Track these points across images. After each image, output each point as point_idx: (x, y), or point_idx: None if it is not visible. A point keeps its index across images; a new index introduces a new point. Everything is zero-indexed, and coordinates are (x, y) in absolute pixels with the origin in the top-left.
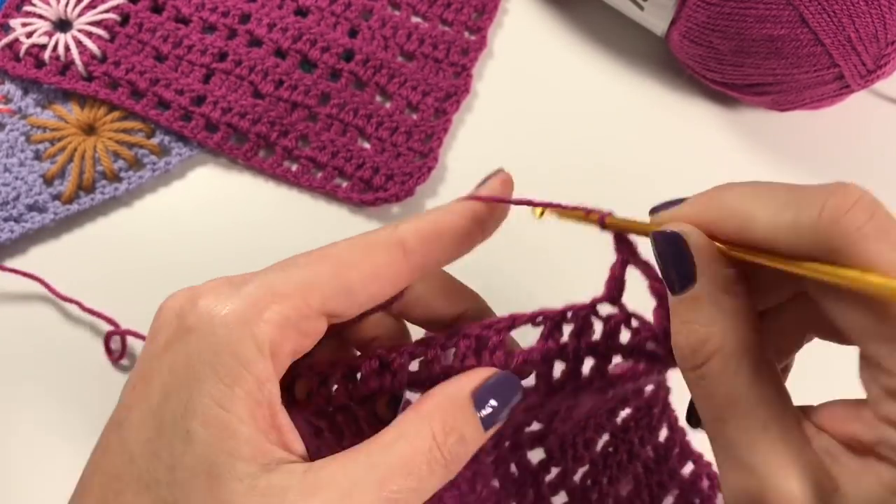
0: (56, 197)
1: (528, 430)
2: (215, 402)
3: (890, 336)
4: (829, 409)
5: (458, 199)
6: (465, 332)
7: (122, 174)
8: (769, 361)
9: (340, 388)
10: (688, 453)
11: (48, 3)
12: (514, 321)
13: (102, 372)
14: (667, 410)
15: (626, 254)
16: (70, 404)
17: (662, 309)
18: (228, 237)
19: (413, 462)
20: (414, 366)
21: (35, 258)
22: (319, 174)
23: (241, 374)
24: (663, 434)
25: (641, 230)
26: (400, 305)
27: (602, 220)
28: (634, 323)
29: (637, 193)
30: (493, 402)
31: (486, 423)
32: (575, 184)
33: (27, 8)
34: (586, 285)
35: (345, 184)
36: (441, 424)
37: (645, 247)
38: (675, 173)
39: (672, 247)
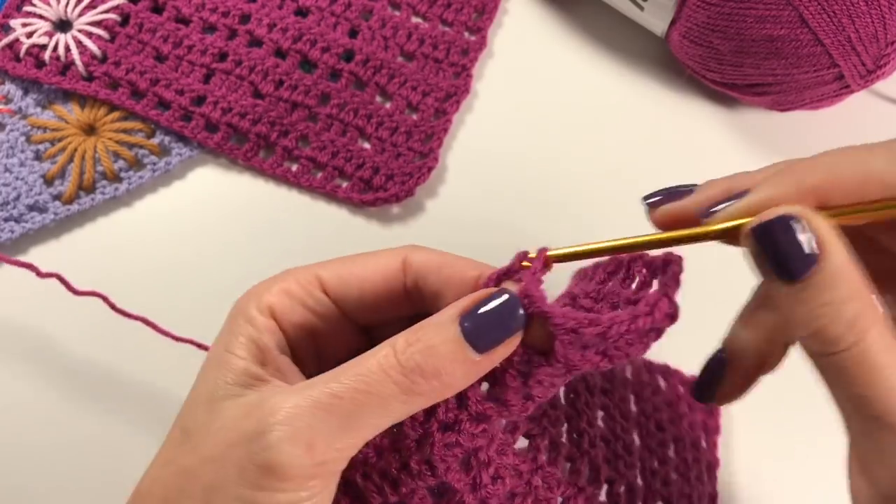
0: (56, 197)
1: (548, 449)
2: (223, 348)
3: None
4: None
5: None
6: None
7: (123, 174)
8: None
9: None
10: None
11: (48, 4)
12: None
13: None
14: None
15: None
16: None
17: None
18: (228, 237)
19: (365, 365)
20: None
21: (35, 258)
22: (319, 174)
23: (242, 325)
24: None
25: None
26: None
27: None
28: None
29: (637, 193)
30: (485, 319)
31: (479, 342)
32: (574, 184)
33: (27, 8)
34: None
35: (345, 184)
36: (405, 338)
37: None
38: (676, 173)
39: (785, 233)
